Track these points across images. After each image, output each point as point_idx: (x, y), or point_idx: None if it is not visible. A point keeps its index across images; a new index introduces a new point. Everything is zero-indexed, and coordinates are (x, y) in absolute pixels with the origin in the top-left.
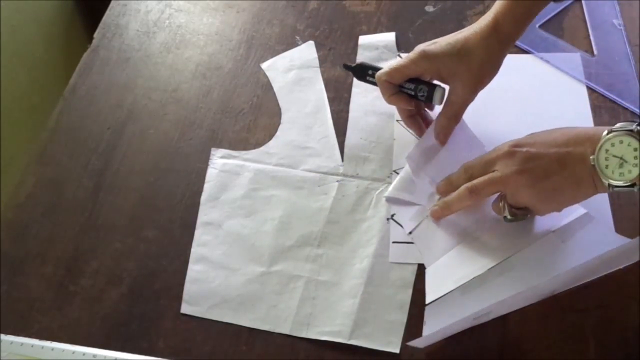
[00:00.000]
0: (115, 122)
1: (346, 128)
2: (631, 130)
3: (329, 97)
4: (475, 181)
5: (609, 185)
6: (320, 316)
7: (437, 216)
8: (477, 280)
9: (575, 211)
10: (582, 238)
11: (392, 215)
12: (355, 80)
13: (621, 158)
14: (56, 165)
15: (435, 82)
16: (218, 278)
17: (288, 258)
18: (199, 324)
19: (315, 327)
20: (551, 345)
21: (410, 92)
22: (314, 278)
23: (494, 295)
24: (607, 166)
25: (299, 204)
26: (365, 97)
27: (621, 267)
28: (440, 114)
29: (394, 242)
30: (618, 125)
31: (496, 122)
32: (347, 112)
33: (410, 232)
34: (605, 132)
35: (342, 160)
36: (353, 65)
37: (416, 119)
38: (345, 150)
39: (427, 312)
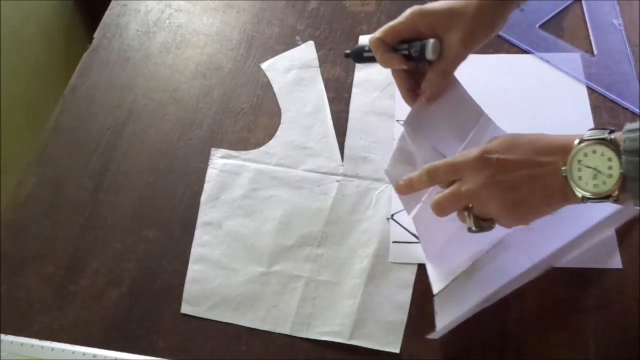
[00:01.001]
0: (115, 122)
1: (346, 128)
2: (604, 139)
3: (329, 97)
4: (441, 196)
5: (583, 197)
6: (321, 316)
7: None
8: (484, 259)
9: None
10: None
11: (392, 215)
12: (355, 80)
13: (595, 169)
14: (56, 165)
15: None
16: (218, 278)
17: (288, 258)
18: (199, 324)
19: (316, 327)
20: (551, 345)
21: (405, 51)
22: (314, 278)
23: (501, 273)
24: (580, 177)
25: (299, 204)
26: (365, 97)
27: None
28: (430, 69)
29: (394, 242)
30: (589, 133)
31: (496, 122)
32: (347, 112)
33: (411, 223)
34: (577, 141)
35: (342, 160)
36: (350, 51)
37: (415, 95)
38: (345, 150)
39: (437, 302)
